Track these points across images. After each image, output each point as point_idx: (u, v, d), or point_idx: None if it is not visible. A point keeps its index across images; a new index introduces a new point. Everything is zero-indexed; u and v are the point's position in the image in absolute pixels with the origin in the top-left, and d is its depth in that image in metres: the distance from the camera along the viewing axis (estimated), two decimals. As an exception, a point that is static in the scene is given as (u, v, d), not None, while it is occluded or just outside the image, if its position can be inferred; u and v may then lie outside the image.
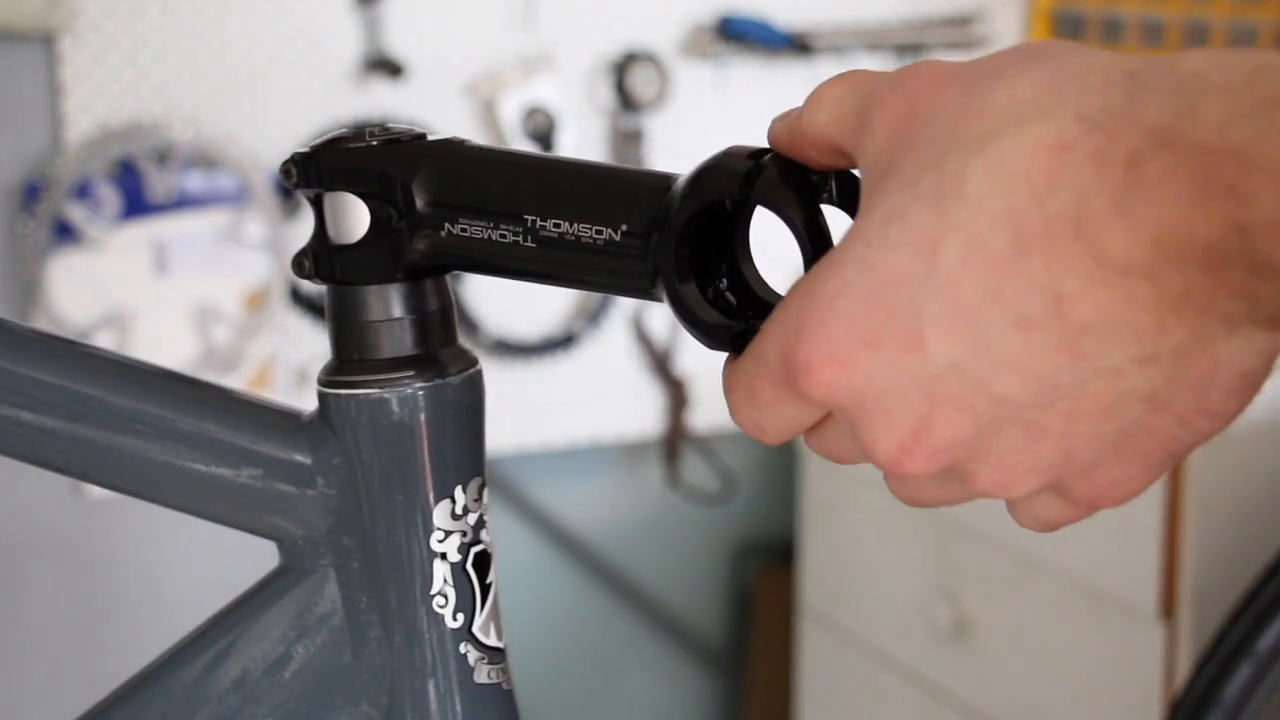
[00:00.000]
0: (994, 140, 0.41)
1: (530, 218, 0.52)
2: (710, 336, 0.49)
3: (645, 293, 0.50)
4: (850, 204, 0.48)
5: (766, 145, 0.49)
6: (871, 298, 0.41)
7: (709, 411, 2.11)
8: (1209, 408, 0.42)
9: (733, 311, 0.49)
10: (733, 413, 0.47)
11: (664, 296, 0.49)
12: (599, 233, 0.50)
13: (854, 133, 0.45)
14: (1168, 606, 1.60)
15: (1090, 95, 0.40)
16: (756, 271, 0.50)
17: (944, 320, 0.41)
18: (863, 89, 0.45)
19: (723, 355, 0.50)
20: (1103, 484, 0.44)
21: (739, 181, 0.47)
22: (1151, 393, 0.41)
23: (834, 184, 0.48)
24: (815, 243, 0.46)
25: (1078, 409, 0.41)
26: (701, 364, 2.07)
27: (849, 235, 0.43)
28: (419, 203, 0.54)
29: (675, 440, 2.09)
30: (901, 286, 0.41)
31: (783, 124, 0.48)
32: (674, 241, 0.49)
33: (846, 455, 0.46)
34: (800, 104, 0.48)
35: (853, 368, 0.42)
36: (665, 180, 0.50)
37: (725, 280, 0.50)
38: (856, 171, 0.48)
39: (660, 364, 2.07)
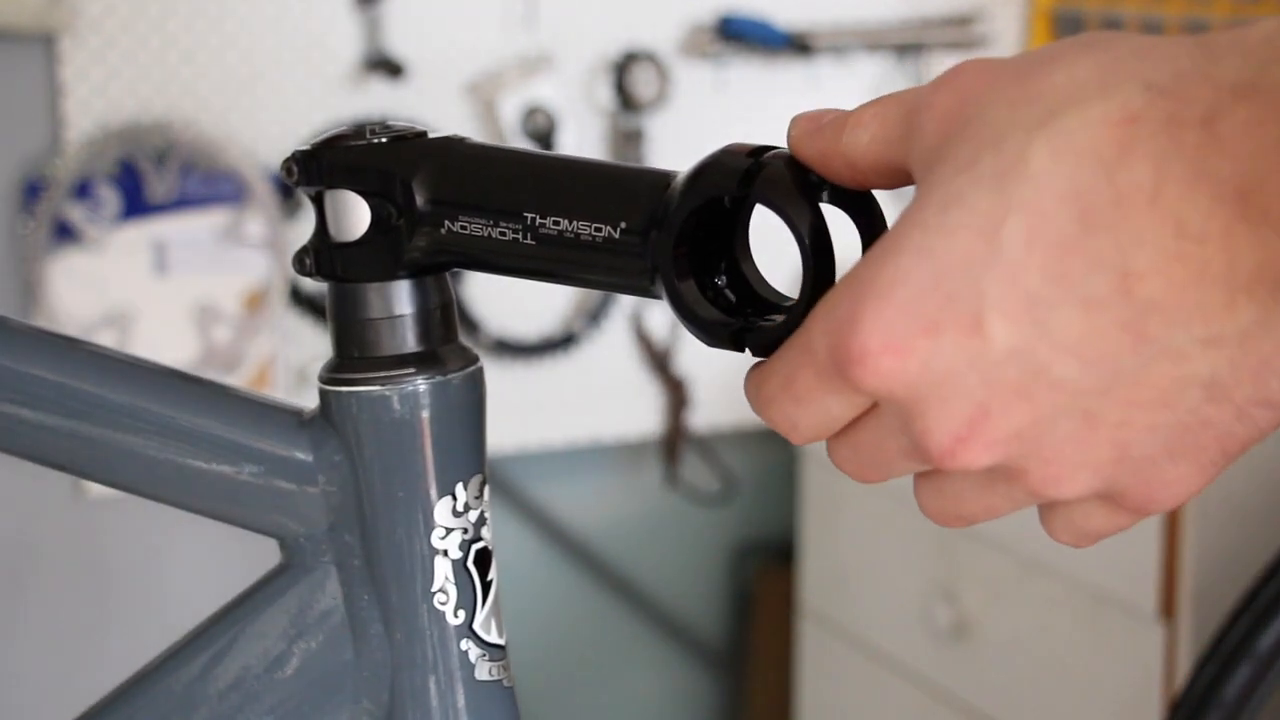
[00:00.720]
0: (1057, 118, 0.40)
1: (530, 215, 0.52)
2: (710, 334, 0.49)
3: (645, 290, 0.51)
4: (849, 203, 0.48)
5: (766, 143, 0.49)
6: (929, 284, 0.41)
7: (709, 411, 2.11)
8: (1269, 398, 0.41)
9: (732, 309, 0.50)
10: (763, 407, 0.46)
11: (663, 294, 0.50)
12: (598, 230, 0.50)
13: (901, 141, 0.44)
14: (1168, 606, 1.60)
15: (1157, 65, 0.40)
16: (756, 269, 0.50)
17: (1006, 303, 0.40)
18: (905, 100, 0.45)
19: (725, 355, 0.50)
20: (1155, 484, 0.43)
21: (738, 179, 0.47)
22: (1212, 378, 0.40)
23: (830, 185, 0.48)
24: (814, 241, 0.46)
25: (1137, 396, 0.41)
26: (701, 364, 2.07)
27: (902, 221, 0.42)
28: (419, 200, 0.54)
29: (674, 440, 2.09)
30: (962, 271, 0.40)
31: (814, 147, 0.47)
32: (673, 239, 0.49)
33: (879, 457, 0.45)
34: (813, 108, 0.48)
35: (910, 355, 0.41)
36: (664, 178, 0.50)
37: (725, 278, 0.50)
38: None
39: (660, 363, 2.08)
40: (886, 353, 0.41)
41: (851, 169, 0.46)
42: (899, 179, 0.46)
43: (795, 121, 0.48)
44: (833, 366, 0.43)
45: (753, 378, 0.47)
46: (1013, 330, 0.40)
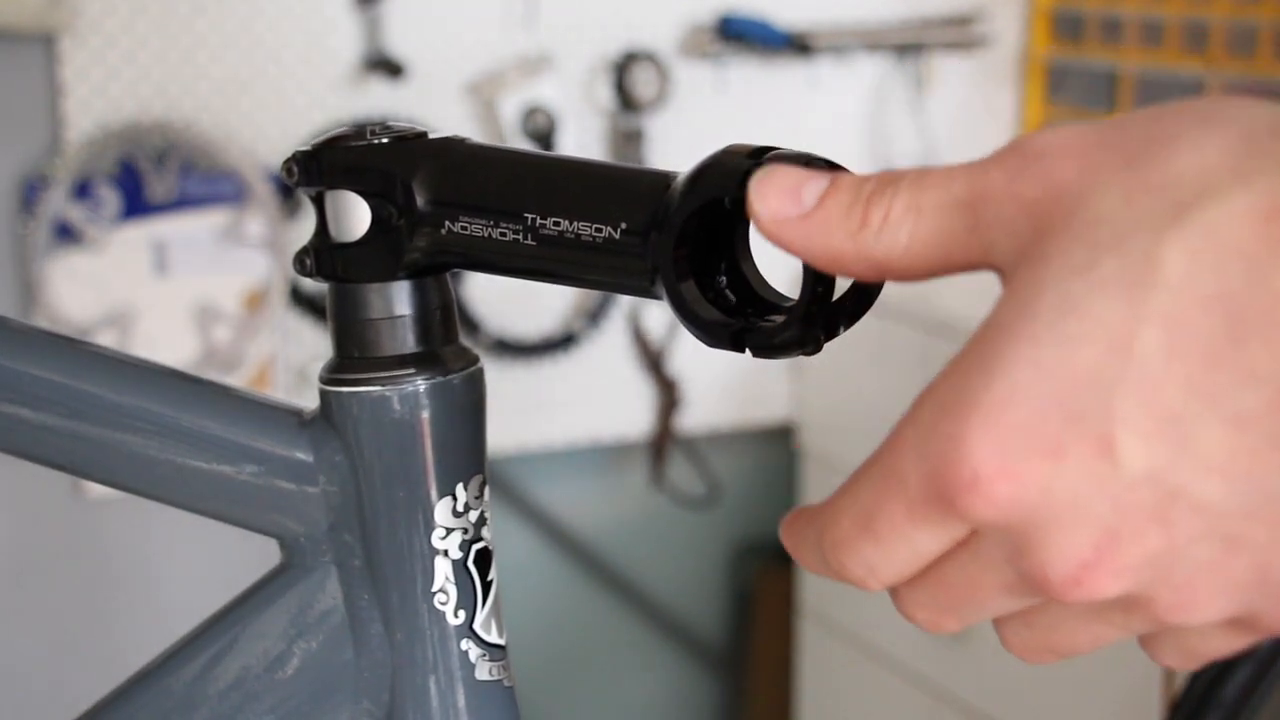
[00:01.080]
0: (1191, 214, 0.36)
1: (530, 216, 0.52)
2: (710, 334, 0.49)
3: (645, 291, 0.50)
4: None
5: (766, 144, 0.49)
6: (1050, 402, 0.37)
7: (706, 412, 2.11)
8: None
9: (732, 310, 0.50)
10: (833, 551, 0.41)
11: (663, 295, 0.49)
12: (598, 231, 0.50)
13: (969, 236, 0.40)
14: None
15: None
16: (757, 270, 0.50)
17: (1142, 423, 0.36)
18: (958, 188, 0.40)
19: (722, 356, 0.50)
20: None
21: (737, 180, 0.47)
22: None
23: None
24: None
25: None
26: (700, 365, 2.07)
27: (1002, 331, 0.38)
28: (419, 201, 0.54)
29: (663, 441, 2.09)
30: (1088, 387, 0.37)
31: (816, 245, 0.42)
32: (673, 240, 0.49)
33: (972, 595, 0.41)
34: (772, 169, 0.43)
35: (1030, 480, 0.37)
36: (665, 179, 0.50)
37: (725, 278, 0.50)
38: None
39: (654, 363, 2.07)
40: (1003, 478, 0.37)
41: (881, 270, 0.42)
42: (955, 271, 0.41)
43: (760, 194, 0.43)
44: (932, 495, 0.39)
45: (814, 520, 0.42)
46: (1149, 451, 0.37)
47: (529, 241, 0.52)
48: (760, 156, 0.48)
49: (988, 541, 0.39)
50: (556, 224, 0.51)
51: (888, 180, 0.41)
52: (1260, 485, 0.36)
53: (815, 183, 0.43)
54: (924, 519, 0.39)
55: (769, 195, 0.43)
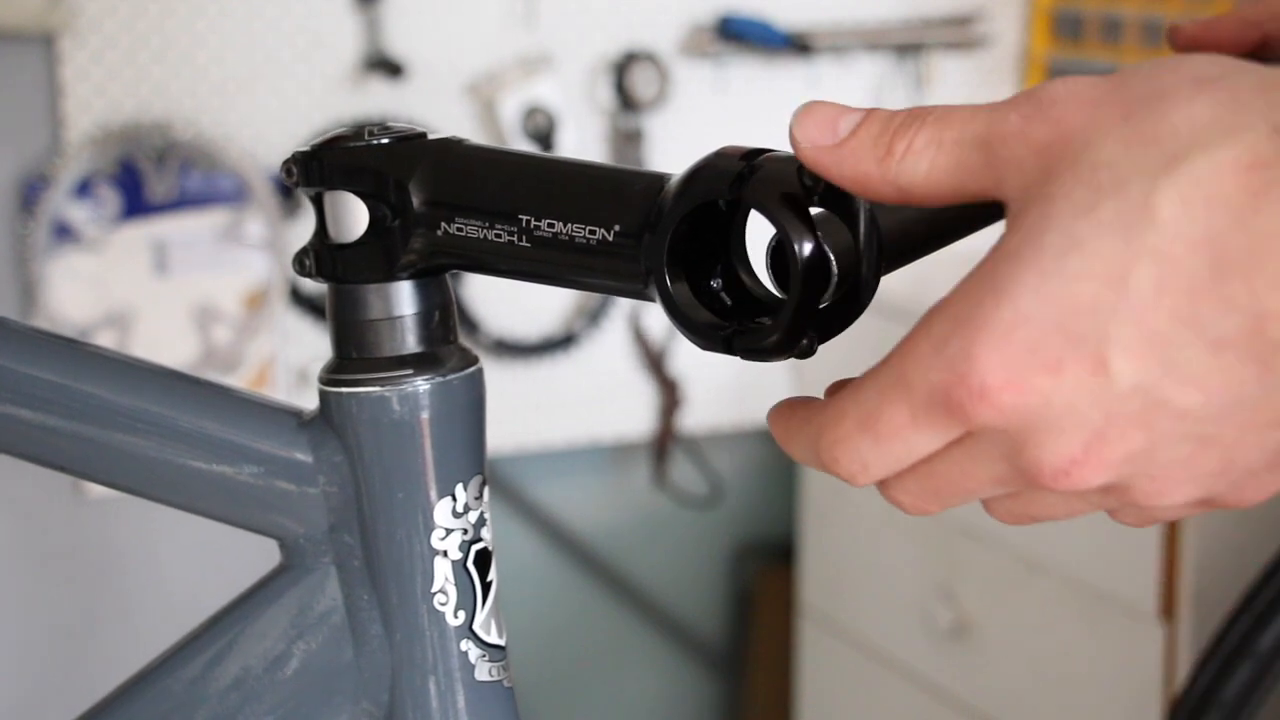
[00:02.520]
0: (1183, 164, 0.40)
1: (525, 218, 0.52)
2: (702, 337, 0.49)
3: (638, 293, 0.50)
4: (841, 206, 0.48)
5: (760, 146, 0.49)
6: (1052, 326, 0.41)
7: (706, 412, 2.11)
8: None
9: (727, 312, 0.49)
10: (830, 448, 0.45)
11: (656, 297, 0.49)
12: (592, 233, 0.50)
13: (983, 171, 0.44)
14: (1168, 607, 1.60)
15: (1278, 103, 0.40)
16: (753, 271, 0.50)
17: (1132, 344, 0.41)
18: (975, 126, 0.44)
19: (724, 357, 0.50)
20: (1248, 489, 0.44)
21: (729, 182, 0.47)
22: None
23: (825, 186, 0.47)
24: (804, 246, 0.46)
25: (1254, 419, 0.42)
26: (700, 365, 2.07)
27: (1011, 260, 0.42)
28: (415, 202, 0.54)
29: (664, 441, 2.09)
30: (1086, 316, 0.41)
31: (845, 170, 0.46)
32: (665, 242, 0.48)
33: (960, 485, 0.45)
34: (810, 103, 0.47)
35: (1032, 391, 0.42)
36: (658, 180, 0.50)
37: (720, 280, 0.50)
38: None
39: (654, 364, 2.07)
40: (1008, 389, 0.42)
41: (903, 194, 0.46)
42: (968, 199, 0.45)
43: (801, 124, 0.46)
44: (940, 402, 0.43)
45: (813, 418, 0.46)
46: (1138, 368, 0.41)
47: (523, 243, 0.52)
48: (753, 158, 0.48)
49: (985, 441, 0.44)
50: (551, 226, 0.51)
51: (915, 115, 0.46)
52: (1234, 395, 0.41)
53: (850, 115, 0.46)
54: (927, 423, 0.44)
55: (808, 125, 0.47)
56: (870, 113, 0.46)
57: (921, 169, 0.45)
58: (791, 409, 0.48)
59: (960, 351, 0.42)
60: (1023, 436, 0.43)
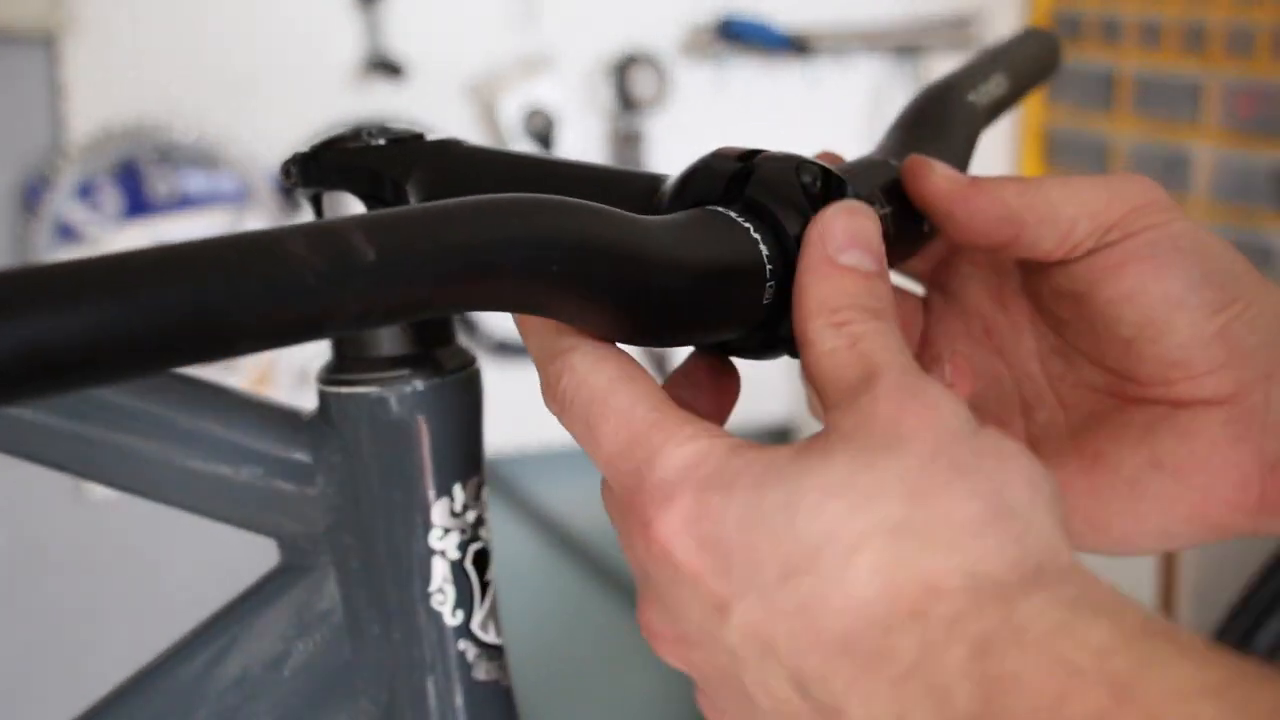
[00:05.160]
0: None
1: None
2: None
3: None
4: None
5: (755, 147, 0.49)
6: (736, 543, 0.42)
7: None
8: None
9: None
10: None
11: None
12: None
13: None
14: (1167, 606, 1.60)
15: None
16: None
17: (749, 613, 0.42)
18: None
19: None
20: None
21: (725, 183, 0.47)
22: None
23: (820, 187, 0.48)
24: (797, 248, 0.46)
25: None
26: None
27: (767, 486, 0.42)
28: (413, 203, 0.54)
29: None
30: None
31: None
32: None
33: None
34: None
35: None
36: (655, 182, 0.50)
37: None
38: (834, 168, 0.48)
39: (656, 363, 2.08)
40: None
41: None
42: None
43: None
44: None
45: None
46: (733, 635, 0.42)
47: None
48: (749, 159, 0.48)
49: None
50: None
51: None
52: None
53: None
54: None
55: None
56: None
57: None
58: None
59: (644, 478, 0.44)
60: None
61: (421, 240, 0.36)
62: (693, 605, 0.43)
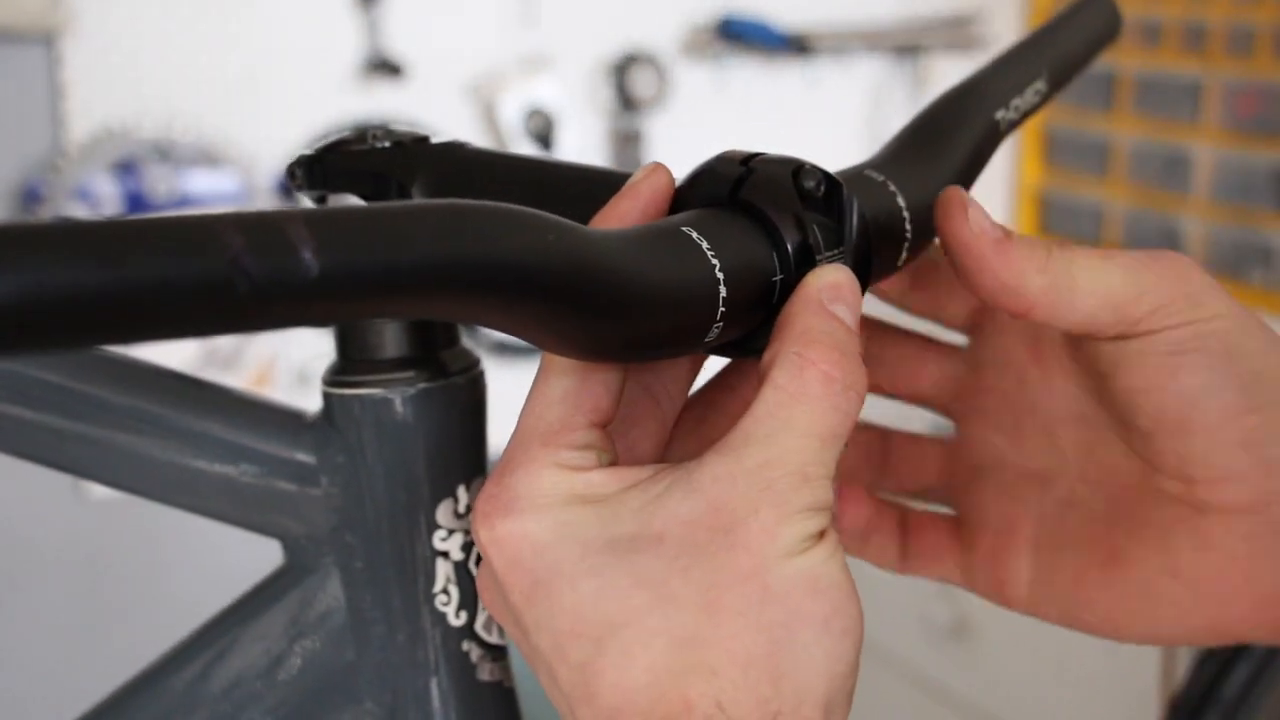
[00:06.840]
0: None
1: None
2: None
3: None
4: (834, 211, 0.48)
5: (758, 150, 0.49)
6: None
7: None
8: None
9: None
10: None
11: None
12: None
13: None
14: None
15: None
16: None
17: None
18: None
19: (729, 359, 0.50)
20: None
21: (729, 187, 0.47)
22: None
23: (823, 190, 0.48)
24: (799, 250, 0.46)
25: None
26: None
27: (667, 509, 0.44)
28: None
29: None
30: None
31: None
32: None
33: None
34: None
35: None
36: None
37: None
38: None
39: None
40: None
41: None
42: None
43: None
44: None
45: None
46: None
47: None
48: (749, 162, 0.48)
49: None
50: None
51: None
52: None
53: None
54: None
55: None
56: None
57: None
58: None
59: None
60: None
61: (361, 245, 0.36)
62: (501, 598, 0.46)
